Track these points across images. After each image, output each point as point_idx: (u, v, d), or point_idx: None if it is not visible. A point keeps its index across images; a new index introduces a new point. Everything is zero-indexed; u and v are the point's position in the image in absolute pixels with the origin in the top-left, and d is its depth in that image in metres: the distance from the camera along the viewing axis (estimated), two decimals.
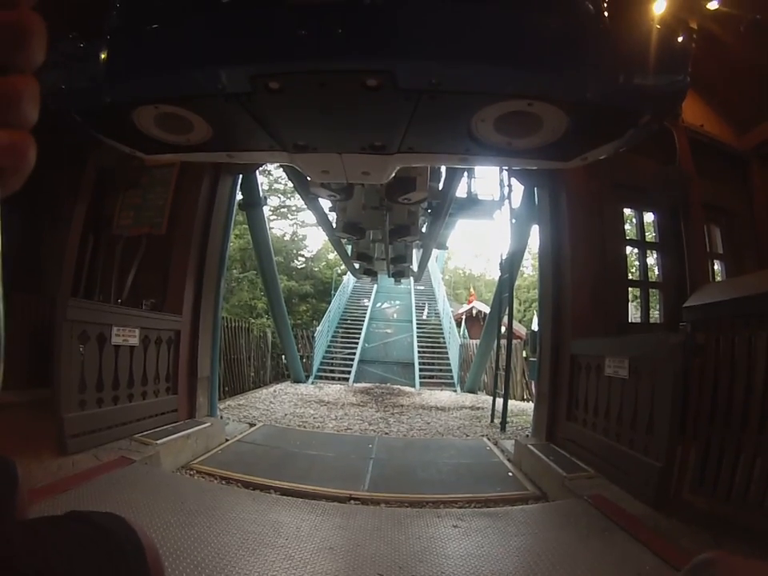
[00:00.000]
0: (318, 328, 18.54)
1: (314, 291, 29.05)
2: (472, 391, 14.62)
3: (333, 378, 16.15)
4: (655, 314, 7.97)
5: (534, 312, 20.64)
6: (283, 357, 15.88)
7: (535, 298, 21.75)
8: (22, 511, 0.91)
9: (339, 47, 1.58)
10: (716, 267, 7.20)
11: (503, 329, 11.66)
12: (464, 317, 25.72)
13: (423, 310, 23.55)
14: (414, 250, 10.53)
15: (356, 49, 1.60)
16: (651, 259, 7.58)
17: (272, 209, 30.26)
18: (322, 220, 7.31)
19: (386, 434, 7.74)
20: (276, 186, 29.65)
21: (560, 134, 2.04)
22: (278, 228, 31.32)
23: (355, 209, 5.83)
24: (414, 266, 12.00)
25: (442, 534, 3.47)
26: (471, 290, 35.16)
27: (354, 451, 6.18)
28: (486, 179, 16.53)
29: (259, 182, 10.20)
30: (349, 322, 21.42)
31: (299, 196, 9.22)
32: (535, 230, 7.96)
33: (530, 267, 34.66)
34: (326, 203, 6.78)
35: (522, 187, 8.60)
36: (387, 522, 3.64)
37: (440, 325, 21.48)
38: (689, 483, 3.78)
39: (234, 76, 1.71)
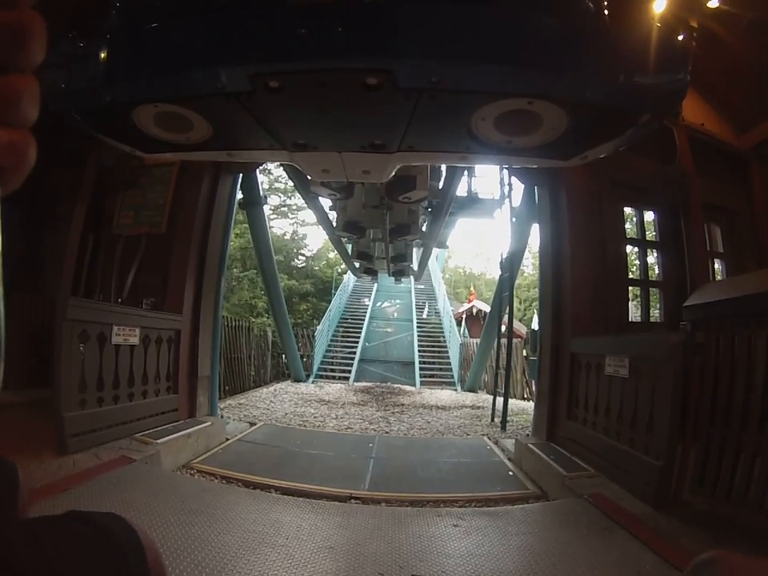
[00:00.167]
0: (318, 327, 18.53)
1: (314, 290, 29.07)
2: (472, 390, 14.62)
3: (333, 377, 16.15)
4: (655, 313, 7.96)
5: (535, 311, 20.69)
6: (283, 356, 15.87)
7: (535, 296, 21.77)
8: (23, 511, 0.91)
9: (339, 46, 1.58)
10: (716, 266, 7.20)
11: (503, 328, 11.66)
12: (464, 316, 25.72)
13: (423, 308, 23.56)
14: (415, 249, 10.53)
15: (356, 48, 1.60)
16: (651, 258, 7.59)
17: (272, 208, 30.36)
18: (323, 219, 7.31)
19: (387, 433, 7.74)
20: (276, 184, 29.70)
21: (560, 133, 2.04)
22: (278, 227, 31.40)
23: (355, 208, 5.83)
24: (415, 265, 11.99)
25: (443, 533, 3.47)
26: (471, 288, 35.16)
27: (354, 450, 6.18)
28: (486, 178, 16.54)
29: (259, 180, 10.21)
30: (349, 321, 21.42)
31: (299, 195, 9.22)
32: (535, 229, 7.96)
33: (530, 266, 34.67)
34: (326, 202, 6.78)
35: (522, 186, 8.60)
36: (388, 522, 3.64)
37: (440, 324, 21.48)
38: (689, 482, 3.79)
39: (234, 75, 1.71)
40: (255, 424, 7.37)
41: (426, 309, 23.69)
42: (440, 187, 5.97)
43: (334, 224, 6.75)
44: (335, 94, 1.80)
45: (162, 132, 2.19)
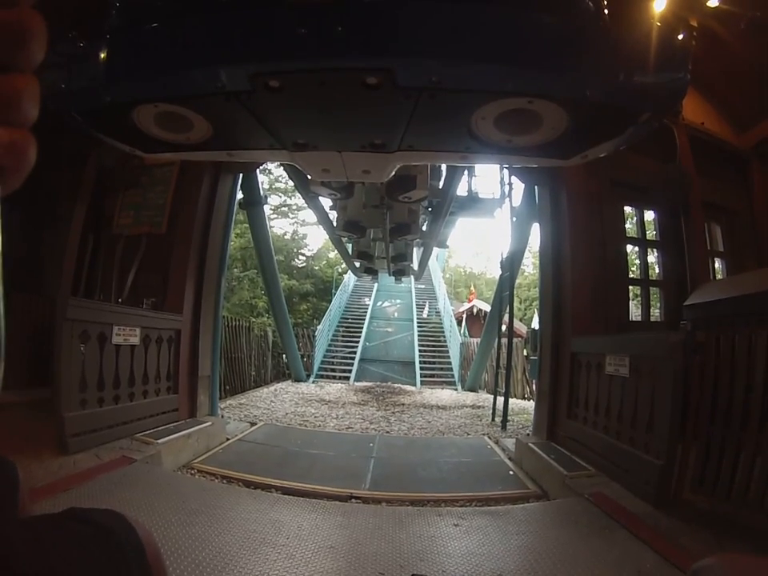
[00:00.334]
0: (318, 327, 18.52)
1: (314, 290, 29.07)
2: (473, 390, 14.63)
3: (334, 377, 16.15)
4: (656, 312, 7.96)
5: (535, 310, 20.68)
6: (284, 356, 15.87)
7: (536, 296, 21.75)
8: (23, 510, 0.91)
9: (339, 45, 1.57)
10: (717, 265, 7.20)
11: (504, 327, 11.66)
12: (465, 315, 25.75)
13: (424, 308, 23.56)
14: (415, 249, 10.53)
15: (356, 47, 1.60)
16: (652, 257, 7.59)
17: (272, 208, 30.35)
18: (323, 219, 7.31)
19: (387, 432, 7.74)
20: (277, 184, 29.70)
21: (560, 132, 2.03)
22: (278, 227, 31.40)
23: (356, 207, 5.82)
24: (415, 265, 12.00)
25: (443, 533, 3.47)
26: (472, 288, 35.15)
27: (354, 450, 6.18)
28: (487, 177, 16.54)
29: (260, 180, 10.22)
30: (350, 320, 21.41)
31: (300, 195, 9.22)
32: (536, 228, 7.97)
33: (530, 266, 34.67)
34: (326, 202, 6.78)
35: (523, 185, 8.60)
36: (388, 521, 3.65)
37: (441, 323, 21.48)
38: (689, 482, 3.79)
39: (234, 75, 1.71)
40: (256, 424, 7.38)
41: (427, 308, 23.68)
42: (440, 187, 5.97)
43: (335, 224, 6.74)
44: (335, 94, 1.80)
45: (162, 132, 2.19)
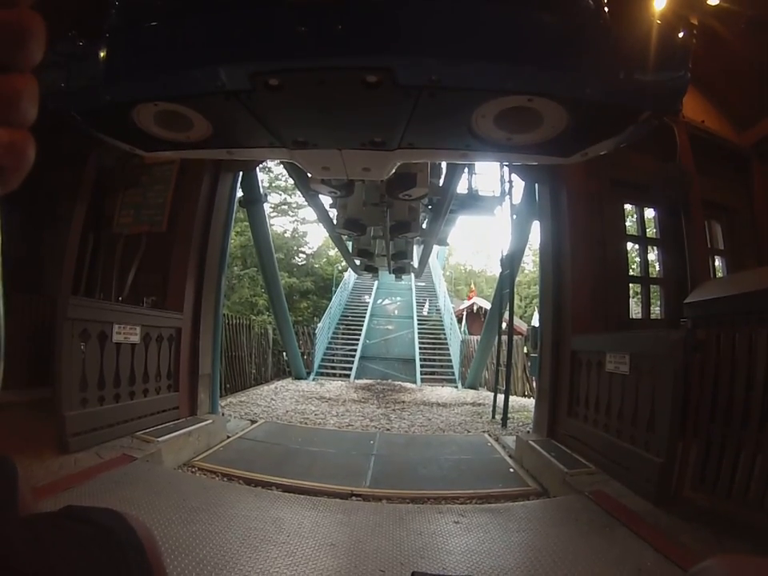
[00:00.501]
0: (318, 325, 18.52)
1: (314, 288, 29.07)
2: (473, 387, 14.63)
3: (334, 375, 16.15)
4: (656, 310, 7.96)
5: (535, 308, 20.68)
6: (284, 354, 15.86)
7: (536, 294, 21.76)
8: (24, 509, 0.91)
9: (339, 44, 1.57)
10: (717, 263, 7.20)
11: (504, 325, 11.66)
12: (465, 313, 25.74)
13: (424, 306, 23.55)
14: (415, 246, 10.52)
15: (356, 46, 1.60)
16: (652, 255, 7.58)
17: (272, 206, 30.31)
18: (323, 217, 7.30)
19: (388, 430, 7.75)
20: (277, 182, 29.67)
21: (560, 130, 2.03)
22: (278, 225, 31.38)
23: (356, 205, 5.82)
24: (415, 263, 11.99)
25: (444, 530, 3.47)
26: (472, 286, 35.14)
27: (355, 448, 6.19)
28: (487, 175, 16.53)
29: (260, 178, 10.21)
30: (350, 318, 21.38)
31: (300, 193, 9.20)
32: (536, 226, 7.96)
33: (530, 263, 34.67)
34: (326, 200, 6.77)
35: (523, 183, 8.59)
36: (388, 519, 3.65)
37: (441, 321, 21.46)
38: (690, 480, 3.80)
39: (234, 73, 1.71)
40: (256, 422, 7.38)
41: (427, 306, 23.68)
42: (440, 184, 5.97)
43: (335, 221, 6.74)
44: (335, 92, 1.80)
45: (162, 131, 2.19)
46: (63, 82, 1.85)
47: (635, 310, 8.82)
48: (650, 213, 7.78)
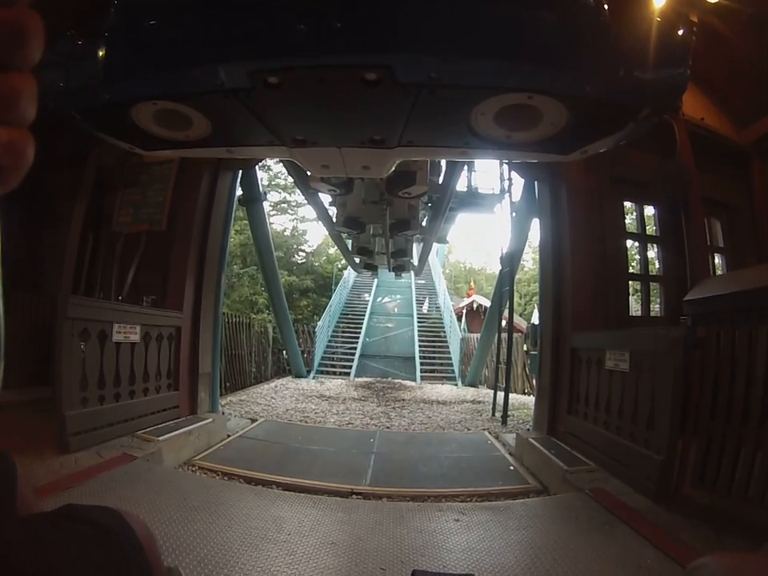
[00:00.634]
0: (318, 323, 18.52)
1: (314, 286, 29.09)
2: (473, 385, 14.63)
3: (334, 373, 16.16)
4: (656, 308, 7.96)
5: (535, 306, 20.66)
6: (284, 352, 15.85)
7: (536, 291, 21.76)
8: (27, 508, 0.91)
9: (338, 42, 1.57)
10: (716, 261, 7.19)
11: (504, 322, 11.66)
12: (464, 310, 25.73)
13: (423, 303, 23.55)
14: (415, 244, 10.53)
15: (355, 43, 1.60)
16: (652, 253, 7.58)
17: (272, 204, 30.34)
18: (322, 215, 7.30)
19: (388, 428, 7.75)
20: (276, 181, 29.67)
21: (560, 127, 2.04)
22: (278, 223, 31.43)
23: (355, 203, 5.82)
24: (415, 260, 12.00)
25: (444, 528, 3.48)
26: (471, 283, 35.14)
27: (355, 446, 6.19)
28: (486, 173, 16.50)
29: (259, 177, 10.20)
30: (350, 316, 21.38)
31: (299, 191, 9.20)
32: (536, 224, 7.96)
33: (530, 261, 34.68)
34: (326, 198, 6.77)
35: (522, 181, 8.58)
36: (389, 517, 3.65)
37: (441, 319, 21.48)
38: (690, 477, 3.79)
39: (233, 72, 1.71)
40: (256, 420, 7.38)
41: (426, 304, 23.69)
42: (440, 182, 5.96)
43: (334, 220, 6.74)
44: (334, 90, 1.80)
45: (161, 129, 2.19)
46: (62, 82, 1.85)
47: (635, 307, 8.81)
48: (649, 210, 7.76)
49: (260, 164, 10.69)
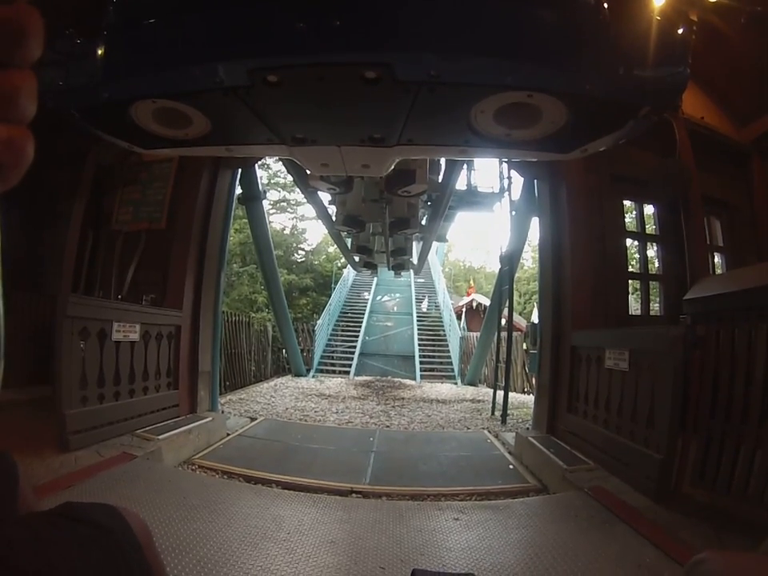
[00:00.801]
0: (318, 321, 18.50)
1: (314, 284, 29.07)
2: (472, 384, 14.62)
3: (333, 372, 16.15)
4: (655, 307, 7.97)
5: (535, 304, 20.67)
6: (284, 351, 15.85)
7: (535, 290, 21.80)
8: (27, 507, 0.91)
9: (338, 40, 1.57)
10: (716, 260, 7.20)
11: (503, 321, 11.66)
12: (464, 309, 25.72)
13: (423, 302, 23.54)
14: (414, 243, 10.52)
15: (355, 41, 1.60)
16: (651, 251, 7.58)
17: (271, 203, 30.31)
18: (322, 213, 7.29)
19: (387, 427, 7.76)
20: (276, 179, 29.66)
21: (560, 126, 2.03)
22: (277, 222, 31.43)
23: (355, 202, 5.81)
24: (414, 259, 12.00)
25: (443, 527, 3.48)
26: (471, 282, 35.13)
27: (355, 444, 6.20)
28: (486, 171, 16.51)
29: (258, 175, 10.19)
30: (349, 315, 21.36)
31: (299, 189, 9.20)
32: (535, 222, 7.95)
33: (529, 259, 34.68)
34: (325, 196, 6.77)
35: (522, 179, 8.58)
36: (388, 515, 3.66)
37: (440, 317, 21.45)
38: (689, 476, 3.80)
39: (233, 70, 1.70)
40: (256, 419, 7.39)
41: (426, 302, 23.68)
42: (439, 181, 5.96)
43: (334, 218, 6.74)
44: (334, 88, 1.79)
45: (160, 128, 2.19)
46: (61, 80, 1.85)
47: (634, 306, 8.82)
48: (649, 209, 7.77)
49: (259, 162, 10.69)
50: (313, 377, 14.91)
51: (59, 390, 4.31)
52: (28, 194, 6.01)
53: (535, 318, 10.13)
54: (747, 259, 6.76)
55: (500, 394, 8.76)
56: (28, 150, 0.41)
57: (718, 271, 6.97)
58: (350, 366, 16.46)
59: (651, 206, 7.40)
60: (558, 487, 4.50)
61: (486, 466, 5.40)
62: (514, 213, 9.28)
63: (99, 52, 1.74)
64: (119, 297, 6.43)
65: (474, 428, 7.74)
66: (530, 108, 1.91)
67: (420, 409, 9.66)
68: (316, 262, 31.34)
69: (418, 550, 3.07)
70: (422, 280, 25.13)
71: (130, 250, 6.69)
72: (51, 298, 5.84)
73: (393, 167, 2.58)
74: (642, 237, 7.45)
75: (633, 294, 8.14)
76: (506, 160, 8.18)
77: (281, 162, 13.44)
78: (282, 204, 31.34)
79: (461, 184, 9.10)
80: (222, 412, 7.28)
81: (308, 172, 3.82)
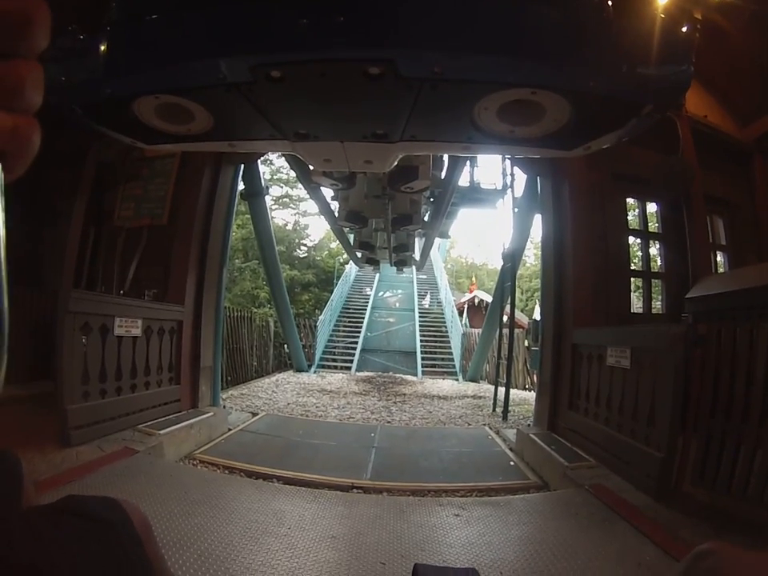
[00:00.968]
0: (320, 317, 18.52)
1: (316, 280, 29.11)
2: (474, 380, 14.63)
3: (335, 367, 16.16)
4: (657, 305, 7.96)
5: (536, 301, 20.68)
6: (285, 346, 15.87)
7: (537, 287, 21.76)
8: (28, 503, 0.91)
9: (341, 36, 1.56)
10: (719, 258, 7.19)
11: (505, 318, 11.65)
12: (466, 306, 25.74)
13: (425, 298, 23.55)
14: (417, 239, 10.52)
15: (358, 37, 1.59)
16: (654, 249, 7.58)
17: (274, 198, 30.29)
18: (325, 209, 7.30)
19: (389, 422, 7.77)
20: (278, 175, 29.66)
21: (563, 123, 2.03)
22: (280, 218, 31.40)
23: (357, 198, 5.82)
24: (417, 255, 11.99)
25: (444, 523, 3.49)
26: (473, 279, 35.12)
27: (356, 440, 6.21)
28: (489, 168, 16.47)
29: (261, 171, 10.18)
30: (351, 310, 21.36)
31: (301, 185, 9.20)
32: (538, 220, 7.95)
33: (532, 256, 34.63)
34: (328, 192, 6.77)
35: (525, 176, 8.57)
36: (389, 511, 3.67)
37: (442, 314, 21.47)
38: (690, 474, 3.80)
39: (235, 66, 1.70)
40: (257, 414, 7.41)
41: (428, 298, 23.69)
42: (442, 177, 5.95)
43: (336, 214, 6.74)
44: (337, 84, 1.79)
45: (163, 123, 2.18)
46: (64, 76, 1.84)
47: (636, 304, 8.80)
48: (652, 207, 7.76)
49: (262, 158, 10.67)
50: (314, 372, 14.91)
51: (61, 385, 4.32)
52: (30, 191, 6.02)
53: (537, 315, 10.13)
54: (749, 258, 6.76)
55: (501, 390, 8.76)
56: (34, 140, 0.41)
57: (721, 270, 6.97)
58: (351, 361, 16.49)
59: (654, 204, 7.39)
60: (558, 484, 4.51)
61: (486, 463, 5.41)
62: (516, 210, 9.26)
63: (102, 48, 1.74)
64: (121, 293, 6.43)
65: (475, 424, 7.75)
66: (533, 105, 1.91)
67: (421, 405, 9.66)
68: (318, 258, 31.37)
69: (419, 545, 3.08)
70: (425, 276, 25.14)
71: (131, 246, 6.69)
72: (53, 295, 5.85)
73: (396, 163, 2.57)
74: (645, 235, 7.44)
75: (635, 291, 8.14)
76: (509, 157, 8.16)
77: (284, 158, 13.46)
78: (284, 200, 31.33)
79: (464, 180, 9.09)
80: (224, 407, 7.31)
81: (311, 168, 3.82)
